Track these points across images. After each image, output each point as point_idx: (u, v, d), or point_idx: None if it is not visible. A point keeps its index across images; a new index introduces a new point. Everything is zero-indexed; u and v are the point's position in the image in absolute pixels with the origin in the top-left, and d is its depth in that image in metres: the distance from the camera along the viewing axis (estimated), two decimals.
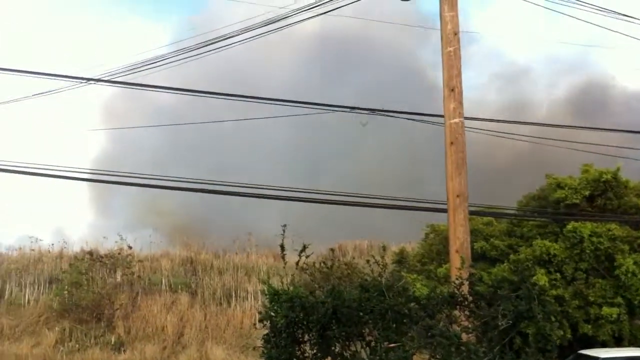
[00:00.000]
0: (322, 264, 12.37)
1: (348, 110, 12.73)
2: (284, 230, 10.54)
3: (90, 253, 26.97)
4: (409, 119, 15.35)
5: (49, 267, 27.63)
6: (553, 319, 17.65)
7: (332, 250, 18.94)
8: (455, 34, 12.90)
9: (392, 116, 14.82)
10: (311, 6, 10.85)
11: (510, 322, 8.98)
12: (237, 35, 11.08)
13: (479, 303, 9.66)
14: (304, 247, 10.69)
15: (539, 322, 9.00)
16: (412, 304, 9.70)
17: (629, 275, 18.22)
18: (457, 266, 11.63)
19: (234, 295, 25.72)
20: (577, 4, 12.27)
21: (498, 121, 15.73)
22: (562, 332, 17.90)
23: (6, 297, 25.54)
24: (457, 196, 13.01)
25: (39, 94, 12.20)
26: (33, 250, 29.07)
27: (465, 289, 9.89)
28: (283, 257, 10.95)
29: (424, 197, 15.91)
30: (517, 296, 9.41)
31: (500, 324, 8.93)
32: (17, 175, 12.56)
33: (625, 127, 17.82)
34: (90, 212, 43.99)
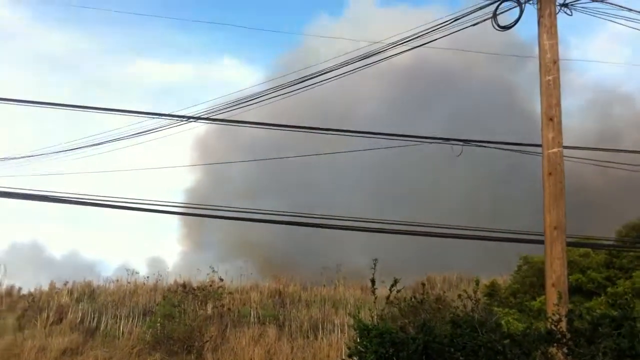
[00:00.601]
0: (412, 299, 12.21)
1: (441, 141, 12.62)
2: (374, 264, 10.49)
3: (184, 285, 27.68)
4: (504, 149, 15.05)
5: (144, 299, 28.51)
6: None
7: (423, 284, 18.66)
8: (555, 62, 12.65)
9: (486, 146, 14.60)
10: (407, 39, 10.92)
11: None
12: (331, 71, 11.26)
13: (578, 340, 9.22)
14: (395, 282, 10.59)
15: None
16: (507, 341, 9.38)
17: None
18: (554, 301, 11.21)
19: (320, 327, 25.68)
20: None
21: (596, 149, 15.18)
22: None
23: (102, 329, 26.31)
24: (555, 228, 12.60)
25: (141, 132, 12.81)
26: (129, 282, 30.20)
27: (563, 325, 9.48)
28: (373, 292, 10.87)
29: (516, 228, 15.48)
30: (619, 333, 8.93)
31: None
32: (118, 210, 13.15)
33: None
34: (186, 244, 45.40)
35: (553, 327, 9.46)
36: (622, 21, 12.93)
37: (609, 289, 18.56)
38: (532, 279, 19.84)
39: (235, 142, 40.99)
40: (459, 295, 10.89)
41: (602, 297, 18.46)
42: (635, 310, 16.42)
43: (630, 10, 13.10)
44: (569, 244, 16.51)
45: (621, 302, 16.20)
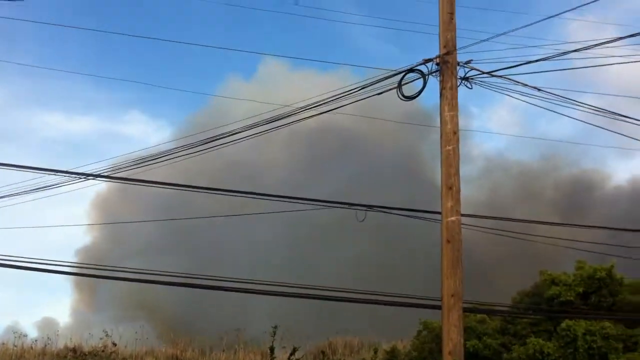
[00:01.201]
0: None
1: (346, 206, 12.74)
2: (274, 332, 10.27)
3: (74, 350, 26.23)
4: (406, 215, 15.34)
5: None
6: None
7: (323, 352, 18.53)
8: (455, 133, 13.13)
9: (388, 212, 14.84)
10: (315, 104, 11.09)
11: None
12: (240, 132, 11.25)
13: None
14: (294, 350, 10.40)
15: None
16: None
17: None
18: None
19: None
20: (575, 104, 12.61)
21: (491, 217, 15.74)
22: None
23: None
24: (452, 296, 12.83)
25: (36, 189, 12.22)
26: (15, 346, 28.28)
27: None
28: None
29: (419, 292, 15.67)
30: None
31: None
32: (12, 269, 12.38)
33: (618, 224, 17.82)
34: (79, 305, 43.19)
35: None
36: (518, 95, 13.65)
37: (504, 356, 19.07)
38: (431, 344, 20.09)
39: (138, 199, 40.00)
40: None
41: None
42: None
43: (525, 85, 13.81)
44: (465, 310, 16.86)
45: None
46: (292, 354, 10.34)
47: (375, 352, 12.24)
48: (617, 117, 13.02)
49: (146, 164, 11.67)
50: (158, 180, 12.93)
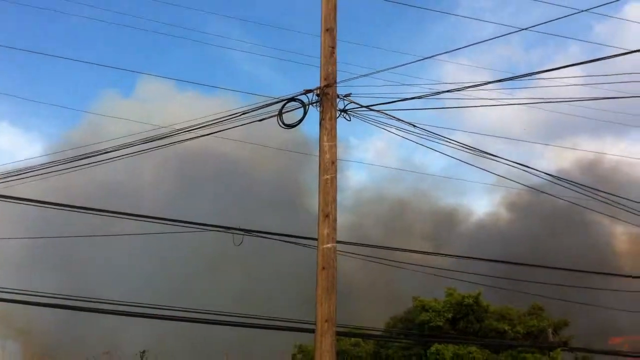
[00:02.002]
0: None
1: (223, 229, 12.69)
2: (142, 357, 10.05)
3: None
4: (284, 241, 15.45)
5: None
6: None
7: None
8: (333, 162, 13.42)
9: (266, 237, 14.90)
10: (195, 127, 11.03)
11: None
12: (112, 151, 10.95)
13: None
14: None
15: None
16: None
17: None
18: None
19: None
20: (446, 141, 13.28)
21: (369, 246, 16.13)
22: None
23: None
24: (326, 321, 13.02)
25: None
26: None
27: None
28: None
29: (295, 317, 15.79)
30: None
31: None
32: None
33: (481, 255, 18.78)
34: None
35: None
36: (394, 130, 14.20)
37: None
38: None
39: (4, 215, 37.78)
40: None
41: None
42: None
43: (400, 120, 14.36)
44: (340, 334, 17.21)
45: None
46: None
47: None
48: (483, 154, 13.79)
49: (11, 178, 11.14)
50: (28, 196, 12.38)
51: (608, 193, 14.22)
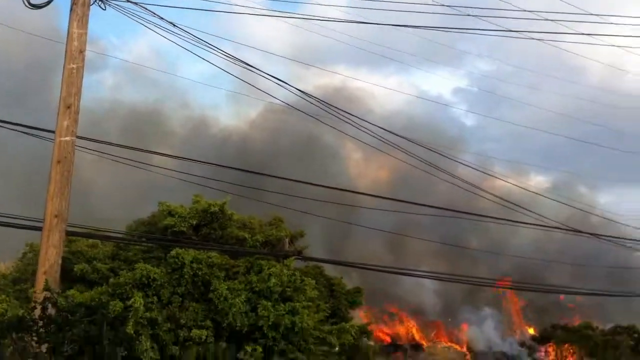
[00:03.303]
0: None
1: None
2: None
3: None
4: (19, 131, 14.35)
5: None
6: (149, 342, 18.07)
7: None
8: (81, 51, 12.64)
9: (3, 127, 13.74)
10: None
11: (77, 347, 8.85)
12: None
13: (49, 328, 9.32)
14: None
15: (106, 347, 9.04)
16: None
17: (222, 299, 19.56)
18: (41, 289, 11.14)
19: None
20: (212, 49, 13.13)
21: (111, 144, 15.61)
22: (152, 354, 18.39)
23: None
24: (55, 216, 12.57)
25: None
26: None
27: (37, 312, 9.49)
28: None
29: (24, 214, 14.90)
30: (90, 321, 9.34)
31: (66, 350, 8.74)
32: None
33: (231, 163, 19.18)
34: None
35: (27, 314, 9.39)
36: (152, 26, 13.61)
37: (111, 280, 19.30)
38: (35, 266, 19.42)
39: None
40: None
41: (104, 287, 19.12)
42: (135, 299, 17.40)
43: (162, 18, 13.85)
44: (75, 234, 16.66)
45: (120, 291, 17.00)
46: None
47: None
48: (245, 66, 13.91)
49: None
50: None
51: (352, 114, 15.25)
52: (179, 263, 19.53)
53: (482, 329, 43.11)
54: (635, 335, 39.72)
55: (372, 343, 28.84)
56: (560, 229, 19.58)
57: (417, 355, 36.94)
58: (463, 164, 20.02)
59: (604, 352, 35.68)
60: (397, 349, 40.81)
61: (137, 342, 18.36)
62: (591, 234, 21.28)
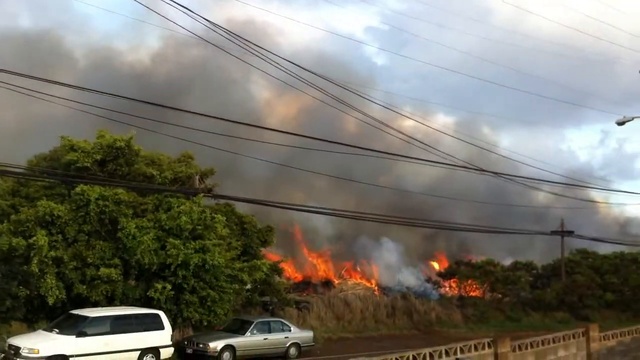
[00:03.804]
0: None
1: None
2: None
3: None
4: None
5: None
6: (54, 280, 17.66)
7: None
8: None
9: None
10: None
11: None
12: None
13: None
14: None
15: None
16: None
17: (130, 237, 19.24)
18: None
19: None
20: None
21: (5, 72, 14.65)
22: (57, 293, 18.03)
23: None
24: None
25: None
26: None
27: None
28: None
29: None
30: None
31: None
32: None
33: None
34: None
35: None
36: None
37: (12, 217, 18.62)
38: None
39: None
40: None
41: (5, 224, 18.44)
42: (39, 237, 16.84)
43: None
44: None
45: (23, 229, 16.43)
46: None
47: None
48: None
49: None
50: None
51: (260, 47, 14.93)
52: (84, 200, 19.01)
53: (388, 265, 44.52)
54: (534, 271, 42.04)
55: (284, 280, 29.26)
56: (464, 167, 20.15)
57: (328, 291, 37.75)
58: (371, 101, 20.08)
59: (504, 287, 37.57)
60: (308, 286, 41.60)
61: (42, 280, 17.96)
62: (493, 172, 22.04)
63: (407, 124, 26.51)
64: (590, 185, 33.94)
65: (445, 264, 44.74)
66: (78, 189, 19.00)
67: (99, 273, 18.62)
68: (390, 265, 44.79)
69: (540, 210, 44.33)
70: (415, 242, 47.79)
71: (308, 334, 21.98)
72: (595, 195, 46.28)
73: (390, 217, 24.45)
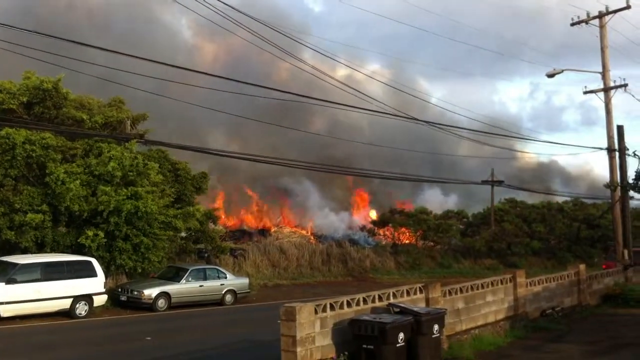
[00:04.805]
0: None
1: None
2: None
3: None
4: None
5: None
6: None
7: None
8: None
9: None
10: None
11: None
12: None
13: None
14: None
15: None
16: None
17: (59, 183, 18.65)
18: None
19: None
20: None
21: None
22: None
23: None
24: None
25: None
26: None
27: None
28: None
29: None
30: None
31: None
32: None
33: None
34: None
35: None
36: None
37: None
38: None
39: None
40: None
41: None
42: None
43: None
44: None
45: None
46: None
47: None
48: None
49: None
50: None
51: None
52: (10, 144, 18.26)
53: (326, 214, 45.05)
54: (465, 219, 43.27)
55: (219, 227, 29.18)
56: (398, 116, 20.25)
57: (264, 239, 37.94)
58: (307, 47, 19.84)
59: (436, 234, 38.54)
60: (244, 234, 41.71)
61: None
62: (425, 121, 22.25)
63: (341, 73, 26.37)
64: (515, 135, 34.48)
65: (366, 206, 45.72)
66: (3, 132, 18.24)
67: (27, 219, 18.04)
68: (326, 214, 45.28)
69: (464, 160, 44.98)
70: (341, 193, 48.30)
71: (244, 281, 22.05)
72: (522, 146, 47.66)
73: (315, 165, 24.38)
